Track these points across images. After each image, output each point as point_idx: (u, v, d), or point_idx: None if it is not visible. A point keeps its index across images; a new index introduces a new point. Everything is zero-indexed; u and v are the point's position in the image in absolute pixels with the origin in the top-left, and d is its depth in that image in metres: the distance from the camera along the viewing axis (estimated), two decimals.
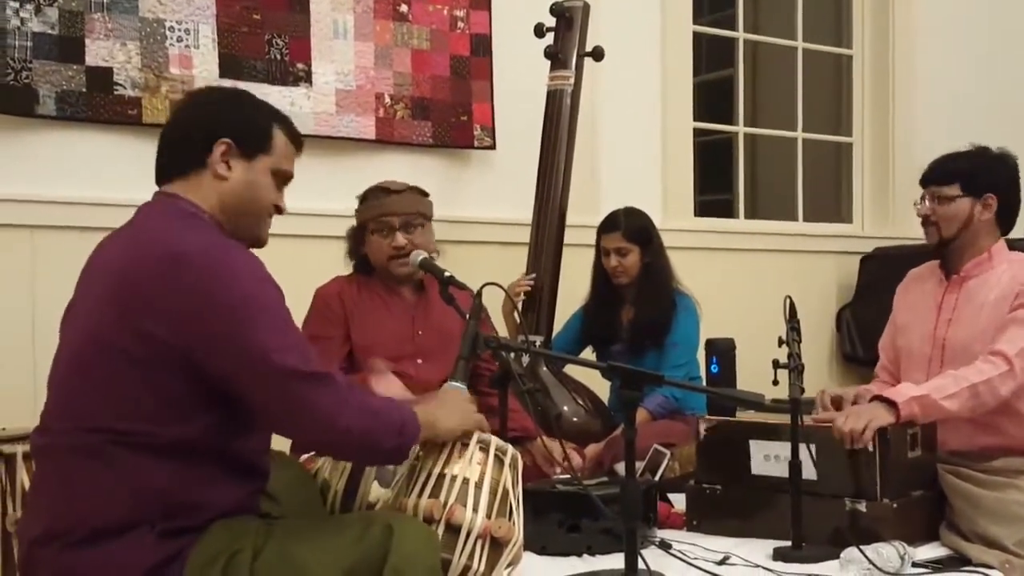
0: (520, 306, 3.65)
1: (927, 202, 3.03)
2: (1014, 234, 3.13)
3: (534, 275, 3.72)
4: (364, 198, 3.24)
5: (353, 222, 3.29)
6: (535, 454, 3.17)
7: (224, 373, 1.86)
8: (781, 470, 2.74)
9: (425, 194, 3.28)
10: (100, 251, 2.03)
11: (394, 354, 3.15)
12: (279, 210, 2.12)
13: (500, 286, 2.68)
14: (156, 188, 2.08)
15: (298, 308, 3.12)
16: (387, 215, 3.17)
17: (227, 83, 3.48)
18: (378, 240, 3.18)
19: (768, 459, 2.81)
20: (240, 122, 2.04)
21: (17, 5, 3.22)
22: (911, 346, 3.08)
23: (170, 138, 2.07)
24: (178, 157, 2.04)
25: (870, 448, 2.65)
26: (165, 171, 2.05)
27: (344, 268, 3.32)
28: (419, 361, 3.17)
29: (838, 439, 2.66)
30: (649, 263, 3.75)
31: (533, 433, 3.14)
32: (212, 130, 2.02)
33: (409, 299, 3.26)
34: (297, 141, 2.13)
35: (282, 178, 2.11)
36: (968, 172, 3.00)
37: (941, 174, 3.04)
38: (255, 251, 2.07)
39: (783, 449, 2.74)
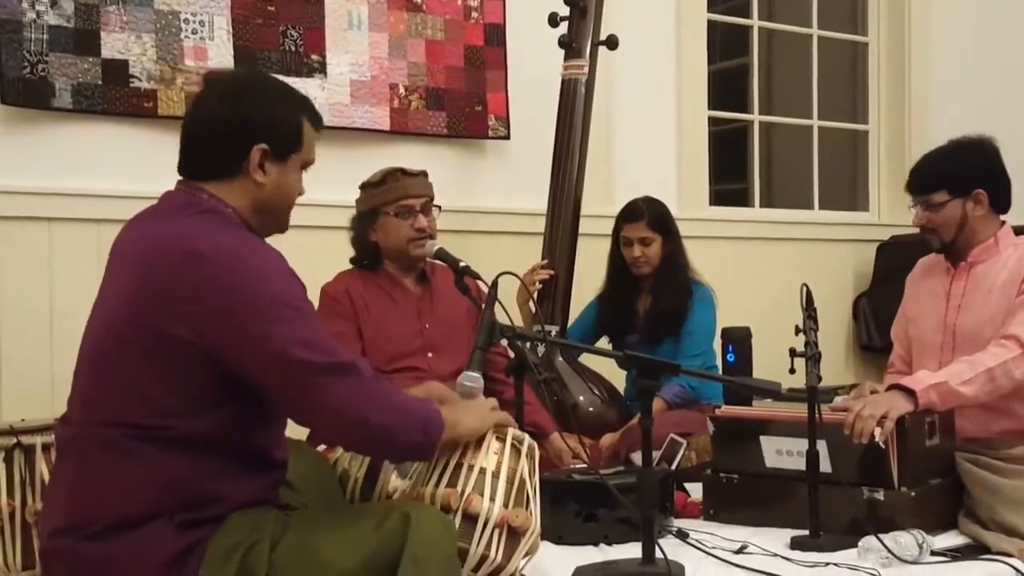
0: (535, 296, 3.65)
1: (920, 211, 3.02)
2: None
3: (552, 269, 3.72)
4: (380, 182, 3.22)
5: (349, 227, 3.29)
6: (550, 450, 3.17)
7: (248, 370, 1.87)
8: (794, 463, 2.73)
9: (428, 177, 3.29)
10: (123, 241, 2.03)
11: (403, 349, 3.15)
12: (300, 193, 2.11)
13: (516, 275, 2.68)
14: (178, 177, 2.06)
15: (314, 298, 3.14)
16: (410, 197, 3.17)
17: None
18: (397, 223, 3.18)
19: (781, 454, 2.80)
20: (276, 124, 2.01)
21: None
22: (923, 335, 3.07)
23: (202, 138, 2.01)
24: (212, 160, 2.00)
25: (880, 444, 2.63)
26: (196, 170, 2.02)
27: None
28: (429, 354, 3.18)
29: (847, 432, 2.65)
30: (669, 252, 3.74)
31: (548, 428, 3.14)
32: (249, 135, 1.98)
33: (414, 292, 3.26)
34: (319, 124, 2.11)
35: (308, 166, 2.10)
36: (951, 174, 2.98)
37: (925, 182, 3.02)
38: (277, 237, 2.08)
39: (794, 444, 2.73)
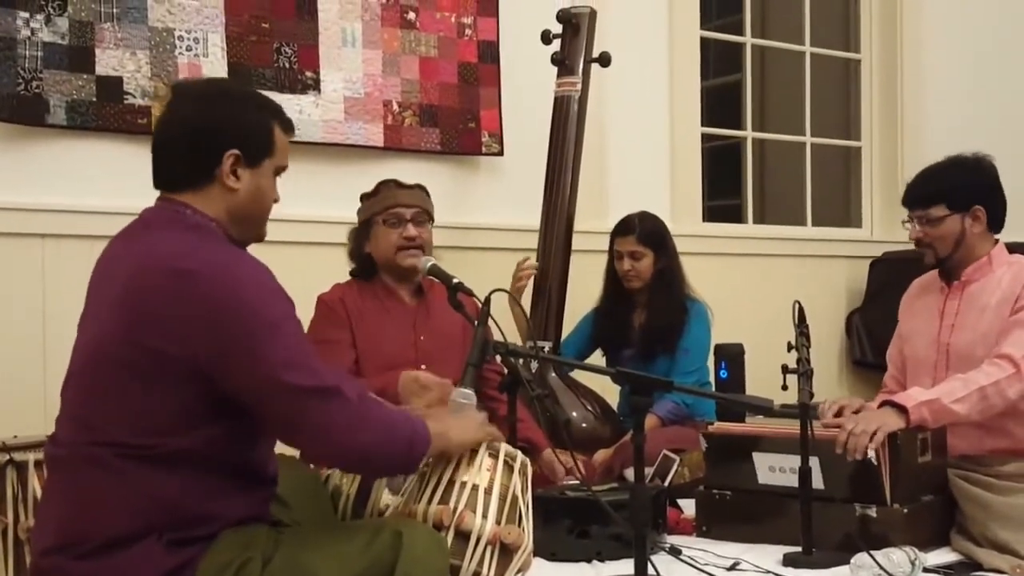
0: (528, 299, 3.65)
1: (916, 225, 3.02)
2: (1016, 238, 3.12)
3: (532, 260, 3.73)
4: (373, 192, 3.25)
5: (347, 240, 3.30)
6: (543, 466, 3.17)
7: (234, 388, 1.86)
8: (787, 480, 2.74)
9: (429, 194, 3.30)
10: (107, 260, 2.02)
11: (396, 360, 3.15)
12: (275, 201, 2.09)
13: (508, 292, 2.68)
14: (157, 193, 2.05)
15: (308, 315, 3.14)
16: (400, 206, 3.19)
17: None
18: (388, 232, 3.19)
19: (773, 470, 2.81)
20: (246, 129, 2.00)
21: (28, 15, 3.24)
22: (917, 353, 3.07)
23: (174, 148, 2.00)
24: (184, 169, 1.99)
25: (873, 460, 2.64)
26: (170, 181, 2.01)
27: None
28: (423, 366, 3.17)
29: (840, 450, 2.65)
30: (662, 268, 3.74)
31: (541, 444, 3.14)
32: (219, 142, 1.97)
33: (409, 304, 3.27)
34: (291, 130, 2.09)
35: (281, 172, 2.08)
36: (951, 189, 2.98)
37: (924, 195, 3.02)
38: (272, 253, 2.08)
39: (786, 461, 2.74)
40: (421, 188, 3.28)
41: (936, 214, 2.98)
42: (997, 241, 3.04)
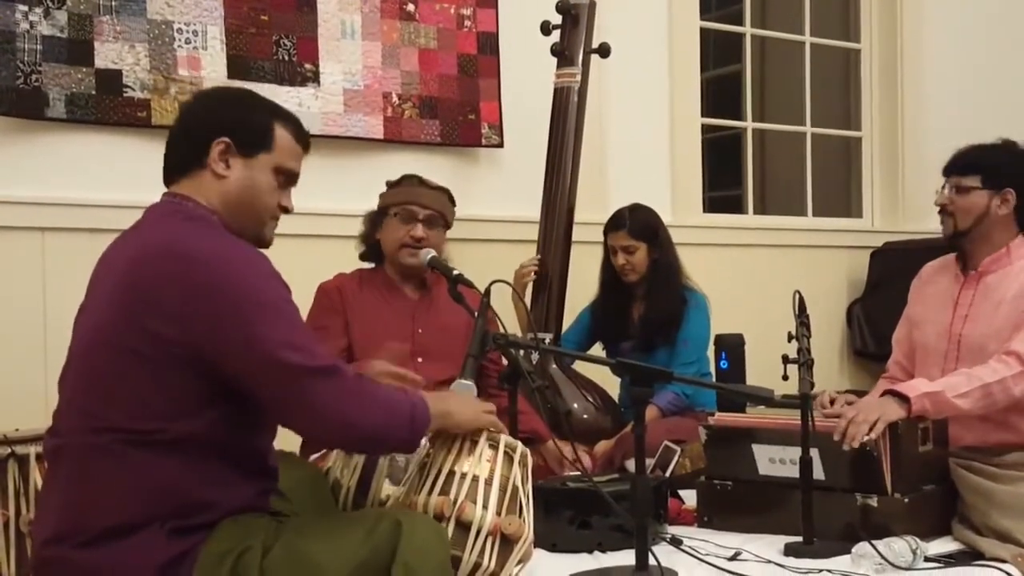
0: (528, 290, 3.64)
1: (946, 191, 3.00)
2: None
3: (539, 256, 3.73)
4: (397, 183, 3.24)
5: (361, 222, 3.30)
6: (546, 456, 3.17)
7: (233, 370, 1.88)
8: (787, 471, 2.74)
9: (454, 202, 3.29)
10: (109, 253, 2.05)
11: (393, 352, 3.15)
12: (285, 210, 2.12)
13: (508, 283, 2.68)
14: (165, 189, 2.09)
15: (306, 308, 3.14)
16: (415, 203, 3.18)
17: (235, 84, 3.50)
18: (397, 225, 3.18)
19: (774, 461, 2.81)
20: (238, 120, 2.05)
21: (26, 8, 3.23)
22: (927, 341, 3.05)
23: (171, 139, 2.09)
24: (179, 156, 2.06)
25: (872, 451, 2.63)
26: (170, 171, 2.07)
27: (352, 268, 3.32)
28: (419, 359, 3.17)
29: (838, 437, 2.65)
30: (658, 259, 3.74)
31: (544, 435, 3.14)
32: (210, 128, 2.03)
33: (411, 297, 3.26)
34: (304, 140, 2.12)
35: (287, 176, 2.10)
36: (990, 165, 2.97)
37: (963, 164, 3.00)
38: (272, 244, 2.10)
39: (786, 452, 2.74)
40: (445, 192, 3.26)
41: (968, 184, 2.96)
42: (1019, 234, 3.01)
